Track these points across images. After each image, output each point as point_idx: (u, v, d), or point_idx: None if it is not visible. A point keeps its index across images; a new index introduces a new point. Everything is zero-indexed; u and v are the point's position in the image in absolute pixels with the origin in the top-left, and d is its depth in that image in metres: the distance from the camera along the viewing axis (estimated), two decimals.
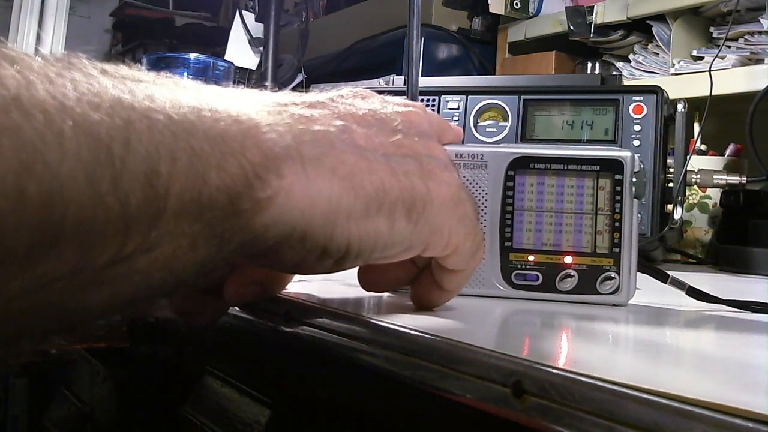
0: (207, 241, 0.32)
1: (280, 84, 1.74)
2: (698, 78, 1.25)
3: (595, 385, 0.34)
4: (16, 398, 1.50)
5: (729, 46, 1.27)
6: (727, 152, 1.20)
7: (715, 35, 1.32)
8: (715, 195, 1.17)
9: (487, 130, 1.05)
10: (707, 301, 0.60)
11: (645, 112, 0.98)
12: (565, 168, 0.60)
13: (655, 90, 0.99)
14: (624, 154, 0.60)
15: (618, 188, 0.59)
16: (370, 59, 1.78)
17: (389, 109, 0.45)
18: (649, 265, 0.62)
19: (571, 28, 1.48)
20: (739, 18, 1.26)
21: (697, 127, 1.17)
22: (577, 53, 1.58)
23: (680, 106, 0.99)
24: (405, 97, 1.04)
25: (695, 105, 1.11)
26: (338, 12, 2.07)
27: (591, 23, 1.47)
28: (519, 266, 0.61)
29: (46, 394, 1.41)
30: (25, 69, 0.27)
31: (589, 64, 1.53)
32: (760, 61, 1.24)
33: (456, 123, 1.06)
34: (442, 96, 1.08)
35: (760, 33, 1.24)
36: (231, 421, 0.70)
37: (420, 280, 0.52)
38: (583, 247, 0.60)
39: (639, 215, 0.61)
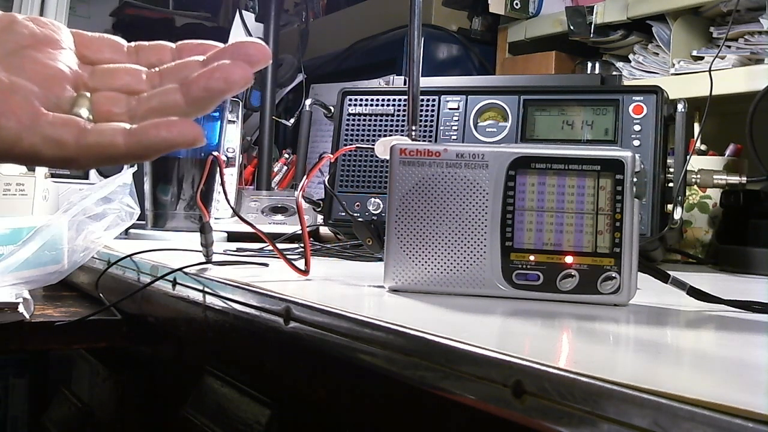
0: None
1: (280, 84, 1.75)
2: (698, 78, 1.25)
3: (595, 385, 0.34)
4: (16, 398, 1.50)
5: (729, 46, 1.27)
6: (727, 152, 1.20)
7: (715, 35, 1.32)
8: (715, 195, 1.17)
9: (487, 130, 1.05)
10: (708, 301, 0.60)
11: (645, 112, 0.98)
12: (566, 168, 0.60)
13: (655, 90, 0.99)
14: (625, 154, 0.60)
15: (619, 188, 0.59)
16: (370, 59, 1.78)
17: None
18: (650, 265, 0.62)
19: (571, 28, 1.48)
20: (739, 18, 1.26)
21: (697, 127, 1.17)
22: (577, 53, 1.58)
23: (680, 106, 0.99)
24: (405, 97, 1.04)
25: (695, 105, 1.11)
26: (338, 12, 2.07)
27: (591, 23, 1.47)
28: (520, 266, 0.61)
29: (46, 394, 1.41)
30: None
31: (589, 64, 1.53)
32: (760, 61, 1.23)
33: (456, 123, 1.06)
34: (442, 96, 1.08)
35: (760, 33, 1.24)
36: (231, 421, 0.70)
37: None
38: (583, 246, 0.60)
39: (639, 215, 0.61)
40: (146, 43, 0.44)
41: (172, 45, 0.44)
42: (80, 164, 0.39)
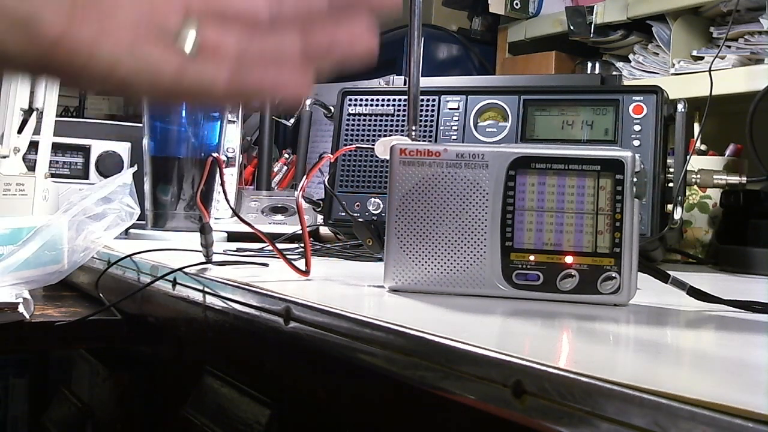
0: None
1: None
2: (698, 78, 1.25)
3: (595, 385, 0.34)
4: (16, 398, 1.50)
5: (729, 46, 1.27)
6: (727, 152, 1.20)
7: (715, 35, 1.32)
8: (715, 195, 1.17)
9: (487, 130, 1.05)
10: (708, 301, 0.60)
11: (645, 112, 0.98)
12: (566, 168, 0.60)
13: (655, 90, 0.99)
14: (625, 154, 0.60)
15: (619, 188, 0.59)
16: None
17: None
18: (649, 265, 0.62)
19: (571, 28, 1.48)
20: (739, 18, 1.26)
21: (697, 127, 1.17)
22: (577, 53, 1.58)
23: (680, 106, 0.99)
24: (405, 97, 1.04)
25: (695, 105, 1.11)
26: None
27: (591, 23, 1.47)
28: (520, 266, 0.61)
29: (46, 394, 1.41)
30: None
31: (589, 64, 1.53)
32: (760, 61, 1.23)
33: (456, 123, 1.06)
34: (442, 96, 1.08)
35: (760, 33, 1.24)
36: (231, 421, 0.70)
37: None
38: (583, 246, 0.60)
39: (639, 215, 0.61)
40: None
41: None
42: (175, 99, 0.36)
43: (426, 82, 1.05)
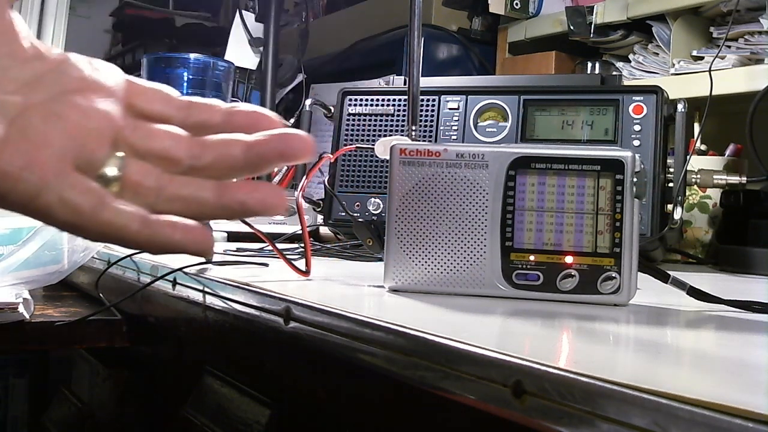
0: None
1: (280, 84, 1.74)
2: (698, 78, 1.25)
3: (595, 385, 0.34)
4: (16, 398, 1.50)
5: (729, 46, 1.27)
6: (727, 152, 1.20)
7: (715, 35, 1.32)
8: (715, 195, 1.17)
9: (487, 130, 1.05)
10: (708, 301, 0.60)
11: (645, 112, 0.98)
12: (566, 168, 0.60)
13: (655, 90, 0.99)
14: (625, 154, 0.60)
15: (619, 188, 0.59)
16: (370, 59, 1.77)
17: None
18: (649, 265, 0.62)
19: (571, 28, 1.48)
20: (739, 18, 1.26)
21: (697, 127, 1.17)
22: (577, 53, 1.58)
23: (680, 106, 0.99)
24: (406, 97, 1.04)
25: (695, 105, 1.11)
26: (338, 12, 2.07)
27: (591, 23, 1.47)
28: (520, 266, 0.61)
29: (46, 394, 1.41)
30: None
31: (589, 64, 1.53)
32: (760, 61, 1.23)
33: (456, 123, 1.06)
34: (442, 96, 1.08)
35: (760, 33, 1.24)
36: (231, 421, 0.70)
37: None
38: (583, 246, 0.60)
39: (639, 215, 0.61)
40: (200, 100, 0.41)
41: (224, 106, 0.41)
42: (90, 236, 0.37)
43: (426, 82, 1.05)
